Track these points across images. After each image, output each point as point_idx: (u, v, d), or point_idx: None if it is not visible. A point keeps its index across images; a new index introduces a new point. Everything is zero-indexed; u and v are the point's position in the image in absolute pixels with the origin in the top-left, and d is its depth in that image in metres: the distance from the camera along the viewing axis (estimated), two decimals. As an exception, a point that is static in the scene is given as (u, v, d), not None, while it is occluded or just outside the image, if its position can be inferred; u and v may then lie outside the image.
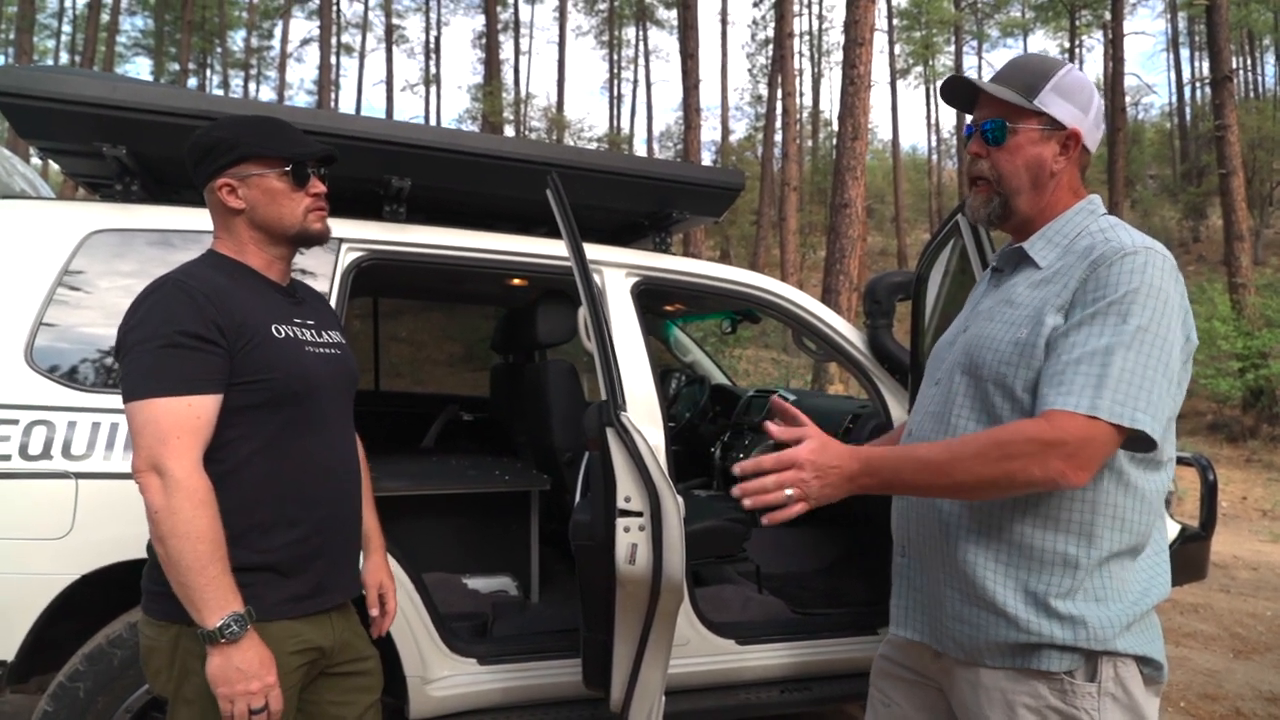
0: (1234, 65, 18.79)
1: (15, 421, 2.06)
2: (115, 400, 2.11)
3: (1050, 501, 1.36)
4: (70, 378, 2.15)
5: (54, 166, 3.11)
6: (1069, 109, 1.45)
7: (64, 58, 34.31)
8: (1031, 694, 1.36)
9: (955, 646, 1.44)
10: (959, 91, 1.55)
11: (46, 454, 2.06)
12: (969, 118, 1.56)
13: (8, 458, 2.03)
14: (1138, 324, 1.28)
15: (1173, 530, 3.33)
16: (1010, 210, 1.51)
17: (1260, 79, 37.27)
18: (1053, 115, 1.45)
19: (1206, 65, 17.35)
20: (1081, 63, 32.00)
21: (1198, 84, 32.37)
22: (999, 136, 1.48)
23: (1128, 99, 24.61)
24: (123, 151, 2.36)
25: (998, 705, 1.38)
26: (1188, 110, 34.40)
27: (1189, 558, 3.35)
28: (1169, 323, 1.30)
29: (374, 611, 1.82)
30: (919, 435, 1.54)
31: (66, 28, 35.22)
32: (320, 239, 1.65)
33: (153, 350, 1.41)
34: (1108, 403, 1.24)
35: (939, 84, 1.59)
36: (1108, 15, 24.09)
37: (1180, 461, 3.54)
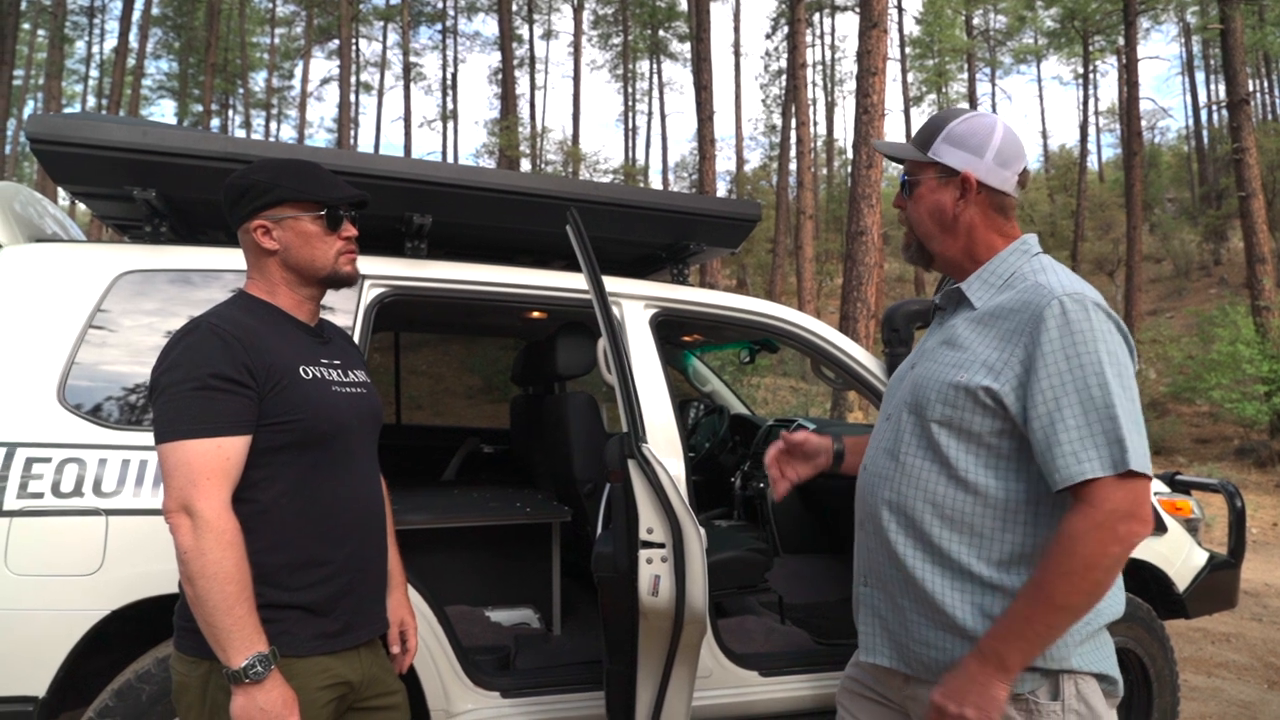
0: (1250, 88, 18.75)
1: (48, 460, 2.10)
2: (145, 438, 2.16)
3: (992, 540, 1.43)
4: (101, 416, 2.19)
5: (81, 207, 3.18)
6: (959, 154, 1.55)
7: (91, 101, 35.14)
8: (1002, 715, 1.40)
9: (923, 669, 1.49)
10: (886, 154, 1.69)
11: (78, 491, 2.10)
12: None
13: (40, 495, 2.07)
14: (1115, 372, 1.34)
15: (1201, 558, 3.29)
16: (926, 253, 1.64)
17: (1278, 101, 37.16)
18: (945, 163, 1.56)
19: (1223, 88, 17.34)
20: (1095, 87, 32.03)
21: (1214, 107, 32.31)
22: (908, 189, 1.63)
23: (1144, 123, 24.58)
24: (152, 194, 2.41)
25: None
26: (1205, 133, 34.30)
27: (1218, 586, 3.31)
28: (1126, 360, 1.38)
29: (395, 649, 1.82)
30: (873, 470, 1.60)
31: (94, 72, 36.12)
32: (350, 281, 1.68)
33: (186, 393, 1.44)
34: (1133, 453, 1.31)
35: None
36: (1121, 40, 24.18)
37: (1207, 488, 3.51)
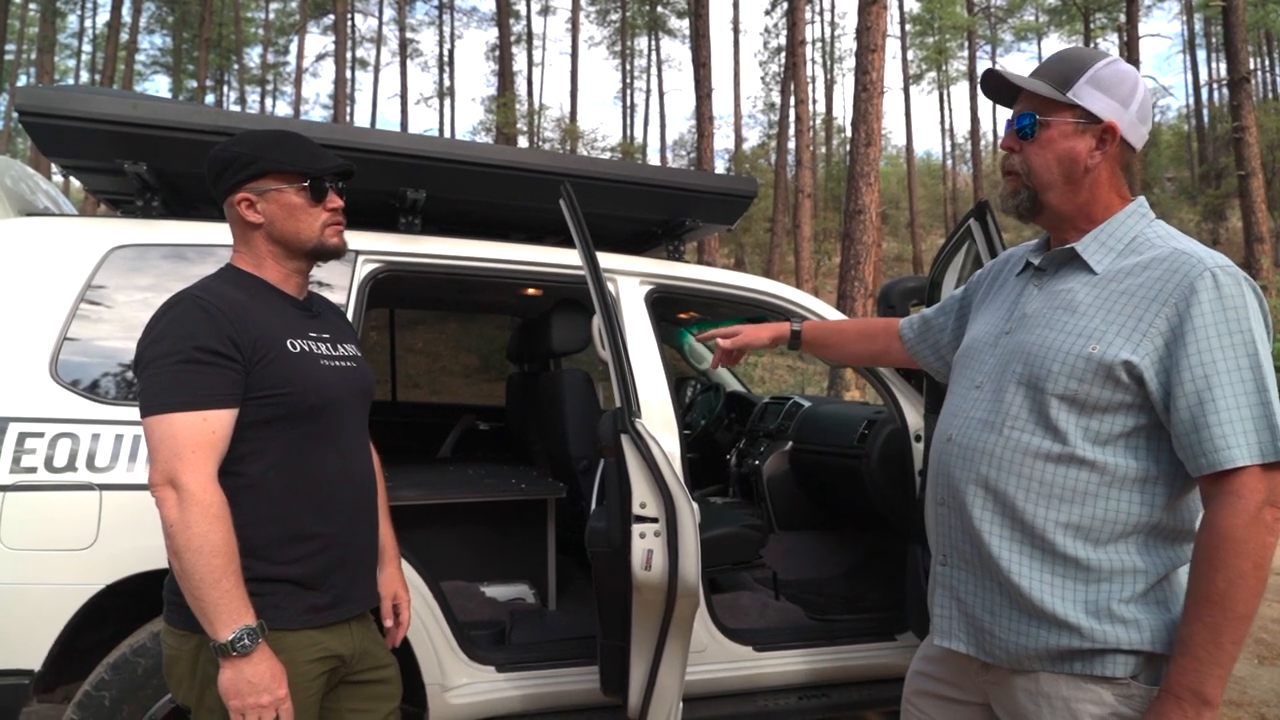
0: (1251, 66, 18.65)
1: (41, 435, 2.10)
2: (137, 413, 2.15)
3: (1104, 522, 1.34)
4: (93, 391, 2.19)
5: (74, 183, 3.16)
6: (1106, 101, 1.40)
7: (84, 77, 34.85)
8: (1095, 701, 1.33)
9: (1006, 656, 1.40)
10: (997, 86, 1.52)
11: (71, 466, 2.10)
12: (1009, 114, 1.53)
13: (34, 470, 2.07)
14: (1266, 353, 1.27)
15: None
16: (1040, 205, 1.48)
17: (1278, 79, 36.96)
18: (1087, 108, 1.41)
19: (1224, 66, 17.24)
20: (1096, 65, 31.76)
21: (1215, 85, 32.15)
22: (1030, 130, 1.45)
23: (1144, 101, 24.36)
24: (143, 168, 2.39)
25: (1060, 713, 1.35)
26: (1205, 112, 34.13)
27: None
28: (1269, 341, 1.30)
29: (388, 622, 1.83)
30: (964, 443, 1.47)
31: (87, 47, 35.80)
32: (337, 253, 1.67)
33: (170, 366, 1.43)
34: None
35: (980, 77, 1.58)
36: (1122, 18, 23.99)
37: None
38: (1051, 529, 1.36)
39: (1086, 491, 1.35)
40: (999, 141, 1.56)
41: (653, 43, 37.89)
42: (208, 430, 1.42)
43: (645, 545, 2.07)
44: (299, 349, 1.57)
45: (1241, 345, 1.26)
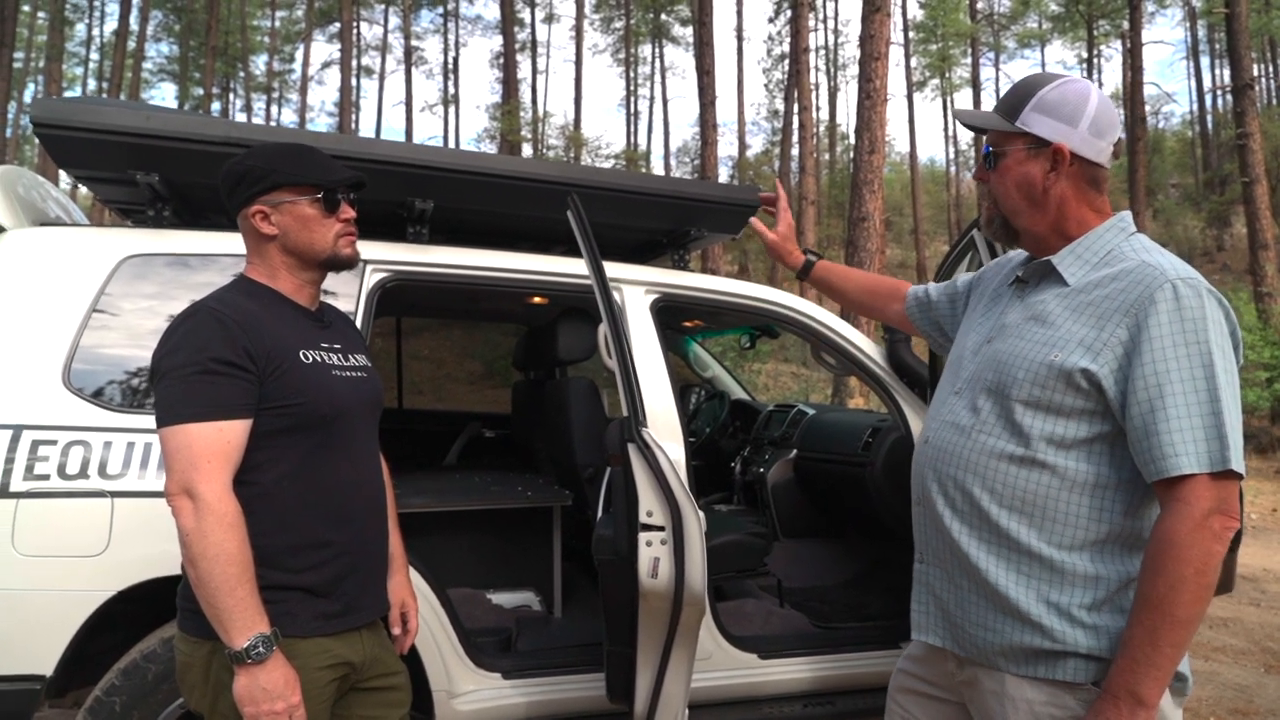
0: (1255, 73, 18.66)
1: (54, 442, 2.12)
2: (149, 420, 2.17)
3: (1066, 525, 1.38)
4: (105, 399, 2.21)
5: (82, 191, 3.18)
6: (1051, 124, 1.47)
7: (92, 84, 35.01)
8: (1058, 704, 1.37)
9: (976, 651, 1.46)
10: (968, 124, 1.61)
11: (83, 473, 2.12)
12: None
13: (46, 477, 2.09)
14: (1224, 365, 1.29)
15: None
16: (1012, 229, 1.56)
17: (1282, 86, 36.91)
18: (1035, 133, 1.48)
19: (1227, 73, 17.25)
20: (1099, 72, 31.88)
21: (1219, 92, 32.15)
22: (991, 161, 1.54)
23: (1148, 108, 24.46)
24: (155, 178, 2.42)
25: (1023, 715, 1.39)
26: (1209, 118, 34.10)
27: (1215, 570, 3.31)
28: (1233, 353, 1.33)
29: (396, 630, 1.84)
30: (937, 444, 1.54)
31: (94, 55, 35.97)
32: (350, 264, 1.69)
33: (186, 377, 1.45)
34: (1233, 451, 1.27)
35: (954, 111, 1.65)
36: (1126, 25, 24.03)
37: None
38: (1015, 529, 1.41)
39: (1048, 495, 1.39)
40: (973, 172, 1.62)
41: (656, 50, 37.98)
42: (223, 440, 1.44)
43: (652, 553, 2.08)
44: (311, 360, 1.59)
45: (1197, 355, 1.29)
